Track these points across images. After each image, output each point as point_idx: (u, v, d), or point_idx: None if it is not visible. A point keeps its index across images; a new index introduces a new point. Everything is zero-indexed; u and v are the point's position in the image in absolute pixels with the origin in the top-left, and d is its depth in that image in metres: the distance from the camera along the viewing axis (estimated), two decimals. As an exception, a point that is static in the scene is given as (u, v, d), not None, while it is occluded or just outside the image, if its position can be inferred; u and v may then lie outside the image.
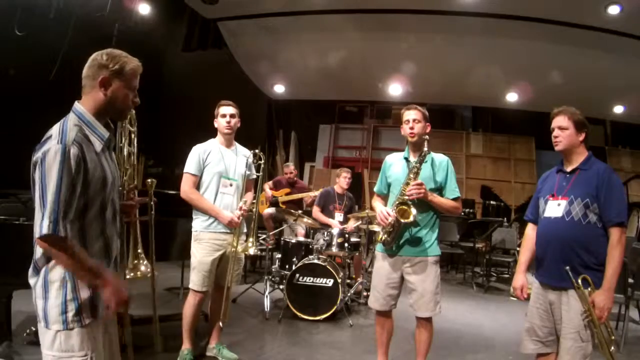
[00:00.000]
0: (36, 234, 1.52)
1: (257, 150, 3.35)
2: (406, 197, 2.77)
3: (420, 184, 2.77)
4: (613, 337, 2.28)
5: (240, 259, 3.33)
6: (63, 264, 1.57)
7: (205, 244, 3.15)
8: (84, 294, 1.62)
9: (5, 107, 4.57)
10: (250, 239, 3.37)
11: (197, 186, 3.20)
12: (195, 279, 3.15)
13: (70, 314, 1.59)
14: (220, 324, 3.30)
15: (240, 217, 3.18)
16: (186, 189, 3.15)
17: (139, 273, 2.30)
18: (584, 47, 7.32)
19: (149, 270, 2.35)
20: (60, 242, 1.52)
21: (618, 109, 9.36)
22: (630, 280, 4.17)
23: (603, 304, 2.21)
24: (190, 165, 3.18)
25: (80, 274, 1.59)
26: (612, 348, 2.25)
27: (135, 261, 2.28)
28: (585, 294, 2.24)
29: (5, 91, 4.61)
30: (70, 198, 1.55)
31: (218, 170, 3.18)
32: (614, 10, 6.39)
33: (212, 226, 3.16)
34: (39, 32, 4.98)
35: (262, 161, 3.31)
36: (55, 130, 1.60)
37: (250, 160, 3.38)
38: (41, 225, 1.50)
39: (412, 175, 2.82)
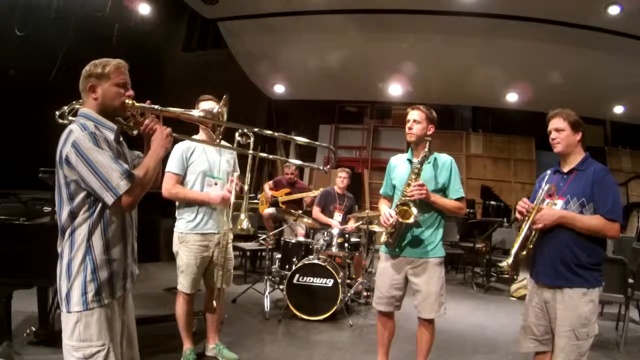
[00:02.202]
0: (110, 200, 1.67)
1: (244, 130, 2.47)
2: (407, 198, 2.76)
3: (422, 185, 2.75)
4: (531, 246, 2.38)
5: (230, 259, 3.23)
6: (151, 176, 1.81)
7: (191, 246, 3.07)
8: (103, 275, 1.74)
9: (5, 107, 4.56)
10: (242, 215, 2.74)
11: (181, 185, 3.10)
12: (184, 282, 3.11)
13: (90, 295, 1.71)
14: (208, 317, 3.22)
15: (232, 191, 2.96)
16: (168, 187, 3.03)
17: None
18: (584, 47, 7.32)
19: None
20: (137, 185, 1.72)
21: (618, 109, 9.38)
22: (630, 281, 4.16)
23: (547, 215, 2.32)
24: (173, 164, 3.05)
25: (157, 161, 1.85)
26: (524, 253, 2.38)
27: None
28: (536, 208, 2.35)
29: (5, 91, 4.61)
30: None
31: (202, 169, 3.09)
32: (614, 10, 6.40)
33: (198, 227, 3.07)
34: (39, 32, 4.97)
35: (251, 140, 2.62)
36: (73, 126, 1.73)
37: (236, 161, 3.22)
38: (114, 189, 1.66)
39: (413, 176, 2.81)
